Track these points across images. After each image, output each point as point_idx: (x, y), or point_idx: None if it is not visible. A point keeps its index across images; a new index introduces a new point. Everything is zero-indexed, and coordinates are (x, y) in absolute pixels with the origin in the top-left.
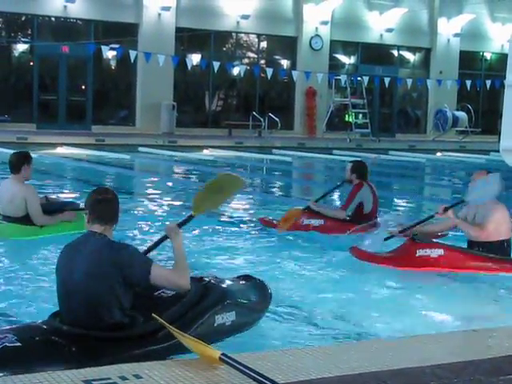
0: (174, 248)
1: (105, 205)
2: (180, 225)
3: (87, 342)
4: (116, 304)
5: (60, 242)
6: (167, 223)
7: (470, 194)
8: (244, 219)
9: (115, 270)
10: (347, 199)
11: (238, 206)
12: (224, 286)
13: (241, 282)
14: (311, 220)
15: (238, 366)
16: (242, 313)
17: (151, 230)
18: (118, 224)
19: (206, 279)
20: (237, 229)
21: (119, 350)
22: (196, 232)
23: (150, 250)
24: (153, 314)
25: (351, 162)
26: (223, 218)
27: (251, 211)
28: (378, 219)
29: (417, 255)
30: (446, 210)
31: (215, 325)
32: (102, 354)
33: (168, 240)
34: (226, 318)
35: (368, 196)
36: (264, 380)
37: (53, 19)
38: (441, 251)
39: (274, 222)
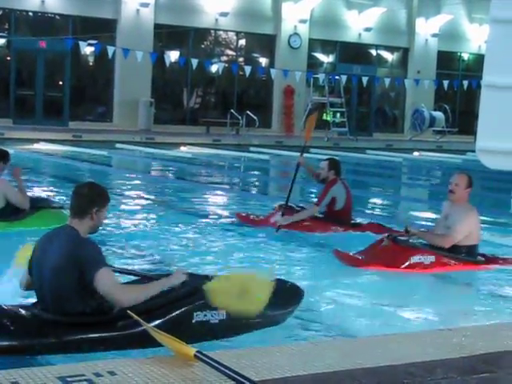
0: (161, 280)
1: (77, 198)
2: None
3: (54, 326)
4: (77, 297)
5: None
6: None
7: None
8: (221, 216)
9: (74, 265)
10: (321, 194)
11: (216, 202)
12: None
13: None
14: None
15: (213, 363)
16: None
17: (126, 226)
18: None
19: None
20: (214, 226)
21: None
22: (174, 228)
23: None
24: (128, 311)
25: (327, 159)
26: (200, 215)
27: (229, 209)
28: None
29: (409, 262)
30: (407, 231)
31: (193, 321)
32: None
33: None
34: (210, 316)
35: (341, 193)
36: (239, 378)
37: (30, 14)
38: (432, 257)
39: (251, 217)
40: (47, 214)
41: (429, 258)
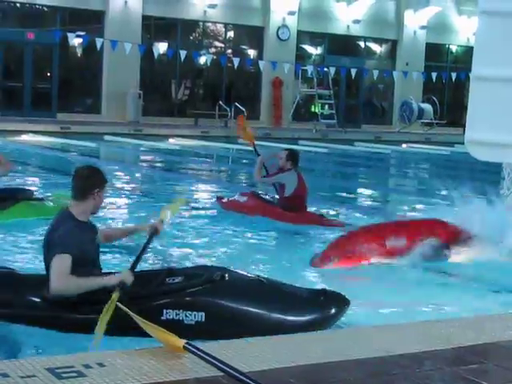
0: (106, 277)
1: (78, 181)
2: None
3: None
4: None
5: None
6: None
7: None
8: (207, 206)
9: (49, 246)
10: (272, 173)
11: (204, 194)
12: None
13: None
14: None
15: (202, 354)
16: (218, 317)
17: (113, 218)
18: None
19: (216, 276)
20: (201, 217)
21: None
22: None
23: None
24: (117, 303)
25: (286, 149)
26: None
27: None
28: None
29: None
30: None
31: (163, 318)
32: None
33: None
34: (182, 315)
35: (292, 180)
36: (228, 369)
37: (18, 5)
38: None
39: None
40: (27, 206)
41: None
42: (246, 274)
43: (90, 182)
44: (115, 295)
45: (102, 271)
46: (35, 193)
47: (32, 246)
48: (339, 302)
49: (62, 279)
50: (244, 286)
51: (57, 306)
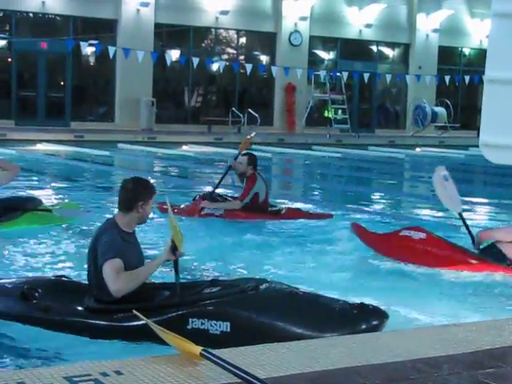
0: (151, 262)
1: (122, 193)
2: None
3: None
4: (95, 283)
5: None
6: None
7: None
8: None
9: (93, 254)
10: (245, 191)
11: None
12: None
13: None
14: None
15: (219, 361)
16: (243, 328)
17: None
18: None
19: (247, 286)
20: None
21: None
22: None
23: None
24: (133, 310)
25: (244, 154)
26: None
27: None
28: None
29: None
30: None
31: (188, 327)
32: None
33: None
34: (208, 324)
35: (262, 186)
36: (245, 375)
37: (31, 15)
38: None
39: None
40: (34, 216)
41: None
42: (284, 286)
43: (133, 195)
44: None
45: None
46: (46, 201)
47: (40, 253)
48: (376, 315)
49: (120, 280)
50: (276, 298)
51: (96, 313)
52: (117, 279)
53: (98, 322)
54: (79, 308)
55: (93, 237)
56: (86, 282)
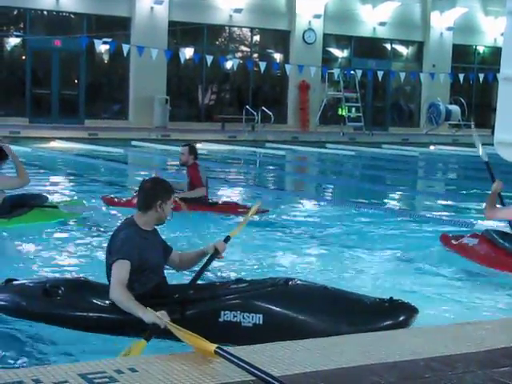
0: (143, 308)
1: (141, 193)
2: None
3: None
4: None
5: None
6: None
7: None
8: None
9: (111, 252)
10: (193, 179)
11: (231, 198)
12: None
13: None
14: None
15: (233, 359)
16: (276, 320)
17: None
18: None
19: (280, 281)
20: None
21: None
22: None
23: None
24: (147, 308)
25: (185, 145)
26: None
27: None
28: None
29: None
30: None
31: (220, 320)
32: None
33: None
34: (240, 317)
35: (204, 176)
36: (259, 373)
37: (45, 13)
38: None
39: (115, 199)
40: (40, 213)
41: None
42: (312, 282)
43: (151, 194)
44: (142, 343)
45: (165, 278)
46: (55, 198)
47: (42, 249)
48: (407, 310)
49: (117, 290)
50: (307, 293)
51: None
52: (116, 287)
53: (119, 316)
54: (103, 304)
55: (111, 235)
56: (106, 283)
